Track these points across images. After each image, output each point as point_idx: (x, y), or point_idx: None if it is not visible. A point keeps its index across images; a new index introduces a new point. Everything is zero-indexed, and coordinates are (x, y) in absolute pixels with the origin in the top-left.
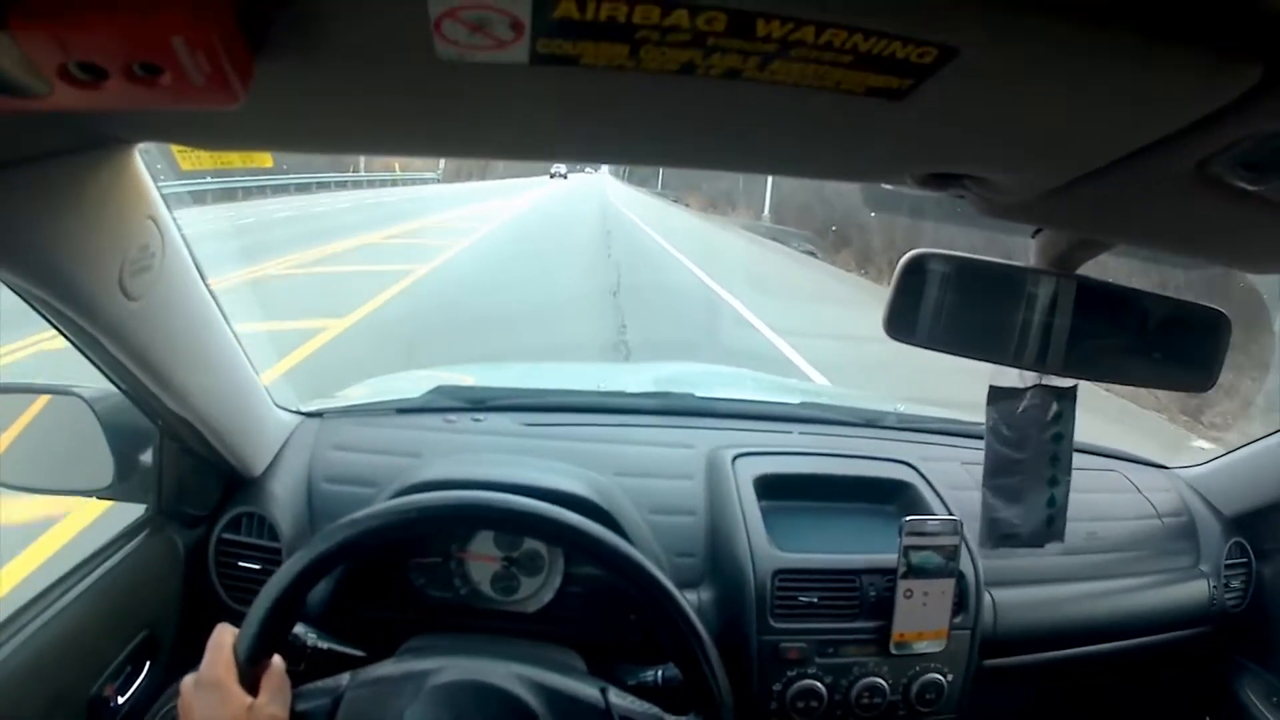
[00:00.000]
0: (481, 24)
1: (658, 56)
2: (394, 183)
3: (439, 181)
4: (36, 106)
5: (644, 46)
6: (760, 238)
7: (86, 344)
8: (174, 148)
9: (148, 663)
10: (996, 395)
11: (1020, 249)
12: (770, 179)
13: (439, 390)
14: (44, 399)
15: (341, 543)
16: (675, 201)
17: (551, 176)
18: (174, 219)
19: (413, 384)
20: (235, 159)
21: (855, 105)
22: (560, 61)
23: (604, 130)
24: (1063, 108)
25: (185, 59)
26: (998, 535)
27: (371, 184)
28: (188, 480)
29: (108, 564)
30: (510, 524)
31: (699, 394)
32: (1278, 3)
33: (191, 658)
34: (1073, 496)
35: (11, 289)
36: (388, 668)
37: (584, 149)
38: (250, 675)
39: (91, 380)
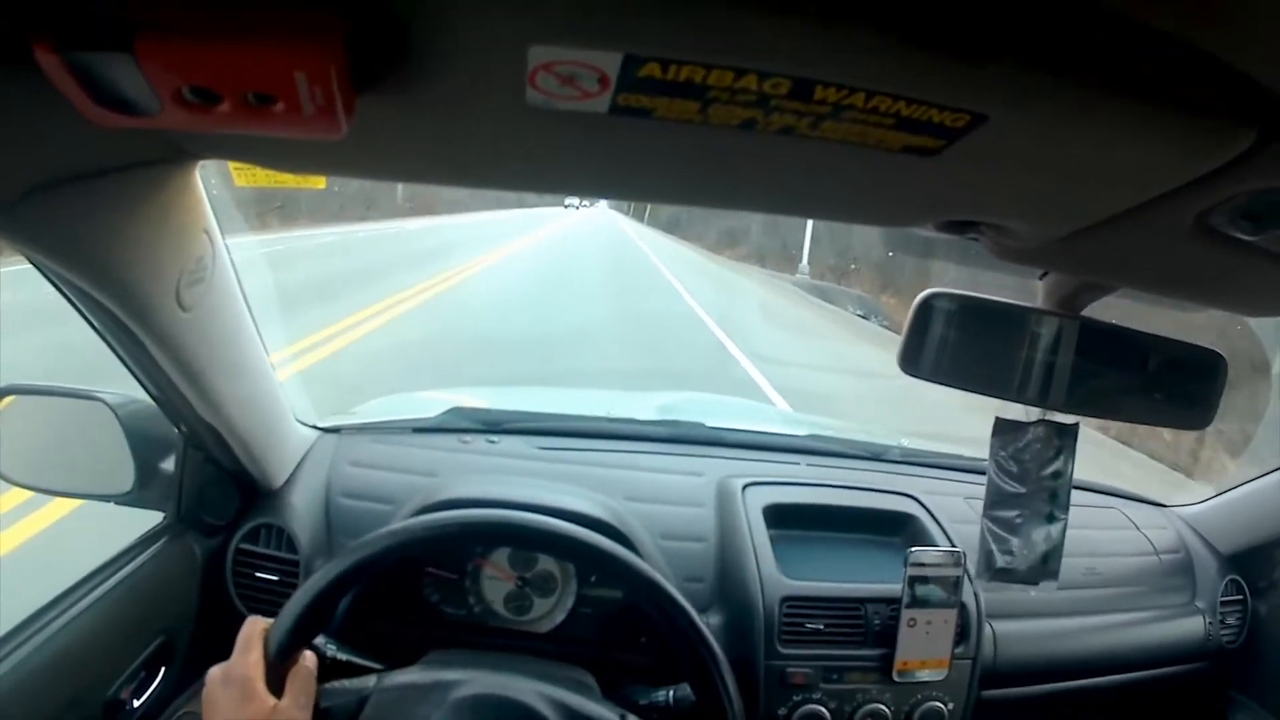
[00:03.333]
0: (572, 77)
1: (724, 113)
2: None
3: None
4: (141, 124)
5: (713, 105)
6: (806, 294)
7: (130, 349)
8: (230, 165)
9: (163, 668)
10: (1001, 428)
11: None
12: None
13: (455, 411)
14: (68, 402)
15: (381, 551)
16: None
17: (566, 208)
18: (221, 233)
19: (427, 404)
20: (290, 178)
21: (891, 160)
22: (635, 114)
23: (664, 175)
24: (1075, 166)
25: (302, 91)
26: (994, 569)
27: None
28: (208, 489)
29: (126, 569)
30: (537, 542)
31: (709, 424)
32: (1267, 76)
33: (207, 663)
34: (1073, 532)
35: (62, 291)
36: (414, 674)
37: (645, 190)
38: (278, 673)
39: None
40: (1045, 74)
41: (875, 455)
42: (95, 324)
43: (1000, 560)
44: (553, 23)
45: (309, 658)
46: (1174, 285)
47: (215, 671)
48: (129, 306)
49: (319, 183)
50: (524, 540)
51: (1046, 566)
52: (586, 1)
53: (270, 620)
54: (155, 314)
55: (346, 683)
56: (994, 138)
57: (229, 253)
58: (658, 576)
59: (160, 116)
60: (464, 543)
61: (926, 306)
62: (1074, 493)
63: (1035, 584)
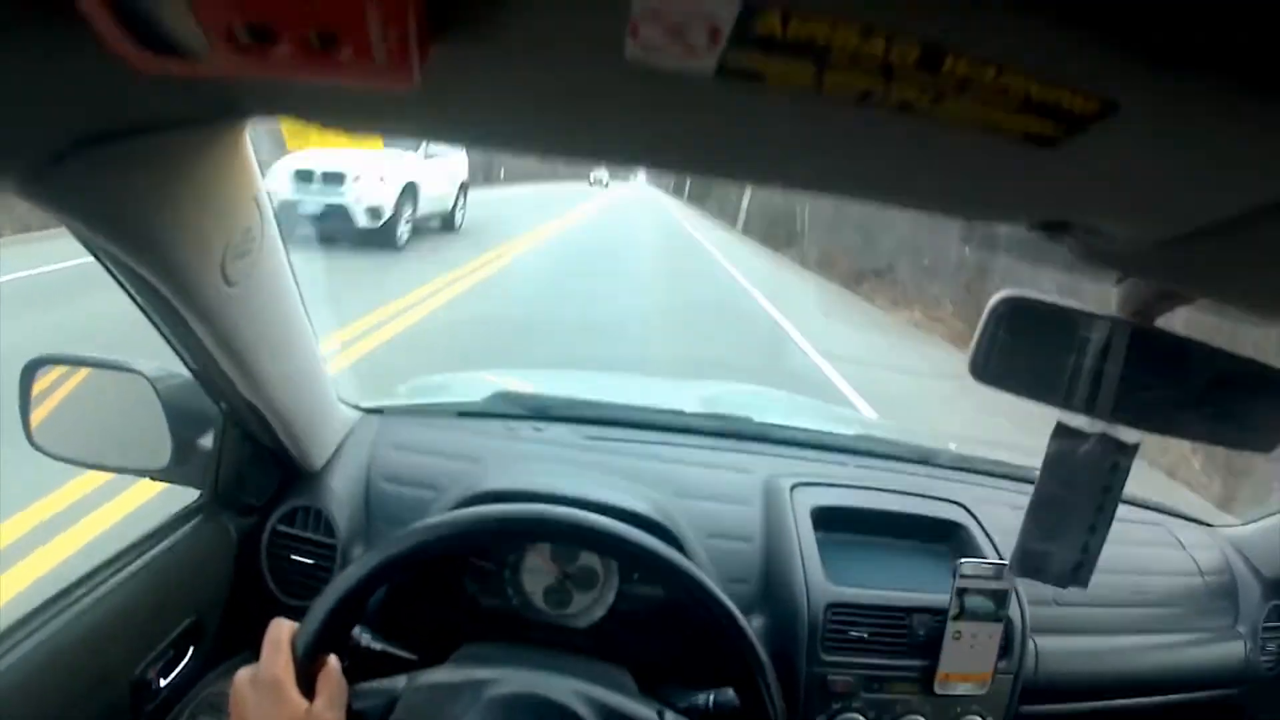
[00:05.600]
0: (680, 28)
1: (841, 82)
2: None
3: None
4: (187, 70)
5: (831, 70)
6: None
7: (172, 324)
8: (284, 126)
9: (191, 648)
10: (1062, 432)
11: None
12: None
13: (500, 396)
14: (105, 374)
15: (414, 548)
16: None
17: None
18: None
19: (471, 385)
20: (345, 139)
21: (1006, 148)
22: (745, 76)
23: (767, 152)
24: (1197, 166)
25: (374, 32)
26: (1027, 566)
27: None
28: (246, 468)
29: (160, 547)
30: (582, 539)
31: (756, 418)
32: None
33: (235, 646)
34: (1120, 549)
35: (101, 261)
36: (446, 673)
37: (742, 169)
38: (307, 674)
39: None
40: (1186, 61)
41: (924, 459)
42: (135, 296)
43: (1035, 559)
44: None
45: (334, 659)
46: (1272, 302)
47: (244, 674)
48: (171, 280)
49: (377, 144)
50: (565, 537)
51: (1076, 575)
52: None
53: (296, 623)
54: (198, 288)
55: (377, 683)
56: (1120, 128)
57: (278, 223)
58: (706, 579)
59: (209, 60)
60: (502, 539)
61: (998, 309)
62: (1122, 507)
63: (1064, 587)
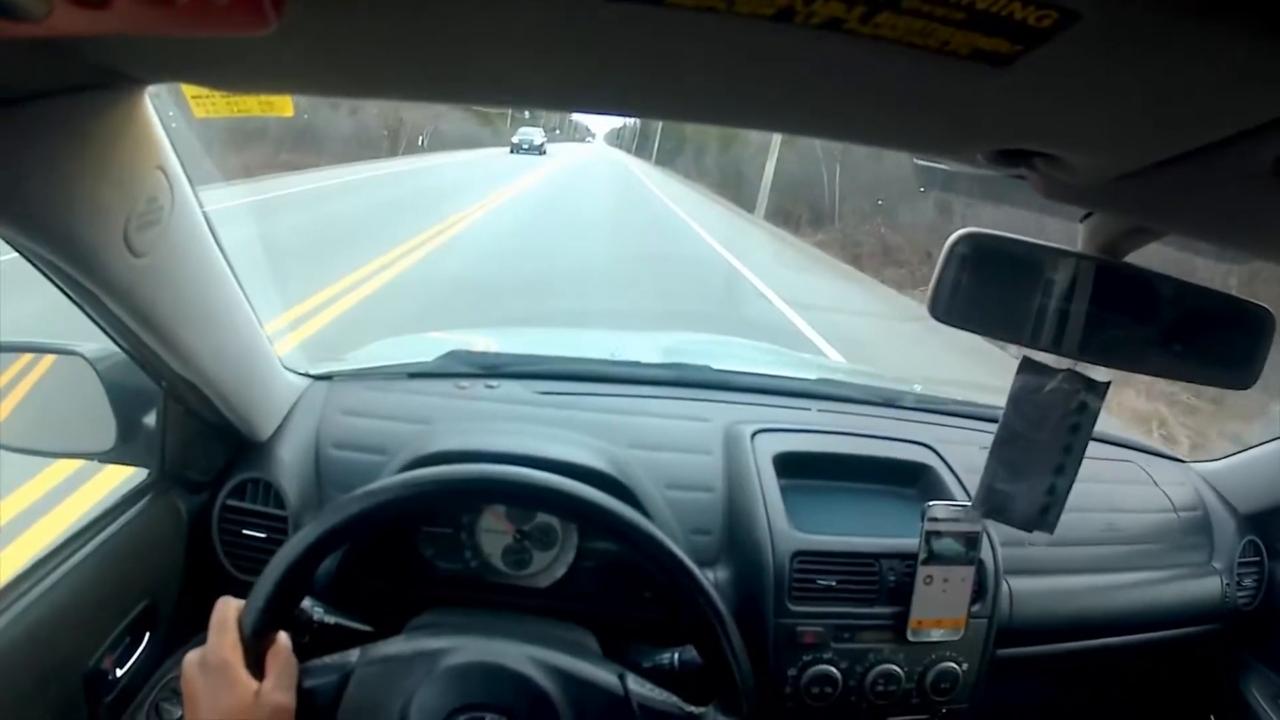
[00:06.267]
0: None
1: None
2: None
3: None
4: (32, 31)
5: None
6: None
7: (87, 301)
8: (188, 93)
9: (147, 633)
10: (1028, 366)
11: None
12: None
13: (452, 355)
14: (48, 358)
15: (354, 516)
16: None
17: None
18: (184, 169)
19: (425, 347)
20: (253, 105)
21: (954, 70)
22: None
23: (678, 82)
24: (1161, 88)
25: None
26: (991, 505)
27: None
28: (192, 444)
29: (109, 530)
30: (527, 499)
31: (715, 366)
32: None
33: (193, 628)
34: (1093, 486)
35: (7, 242)
36: (398, 645)
37: (655, 104)
38: (256, 652)
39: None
40: None
41: (889, 401)
42: (46, 274)
43: (999, 499)
44: None
45: (284, 636)
46: (1237, 235)
47: (192, 657)
48: (70, 252)
49: (286, 108)
50: (508, 497)
51: (1044, 518)
52: None
53: (242, 601)
54: (101, 260)
55: (329, 659)
56: (1079, 45)
57: (194, 192)
58: (658, 533)
59: (50, 20)
60: (443, 502)
61: (958, 248)
62: (1093, 445)
63: (1029, 531)
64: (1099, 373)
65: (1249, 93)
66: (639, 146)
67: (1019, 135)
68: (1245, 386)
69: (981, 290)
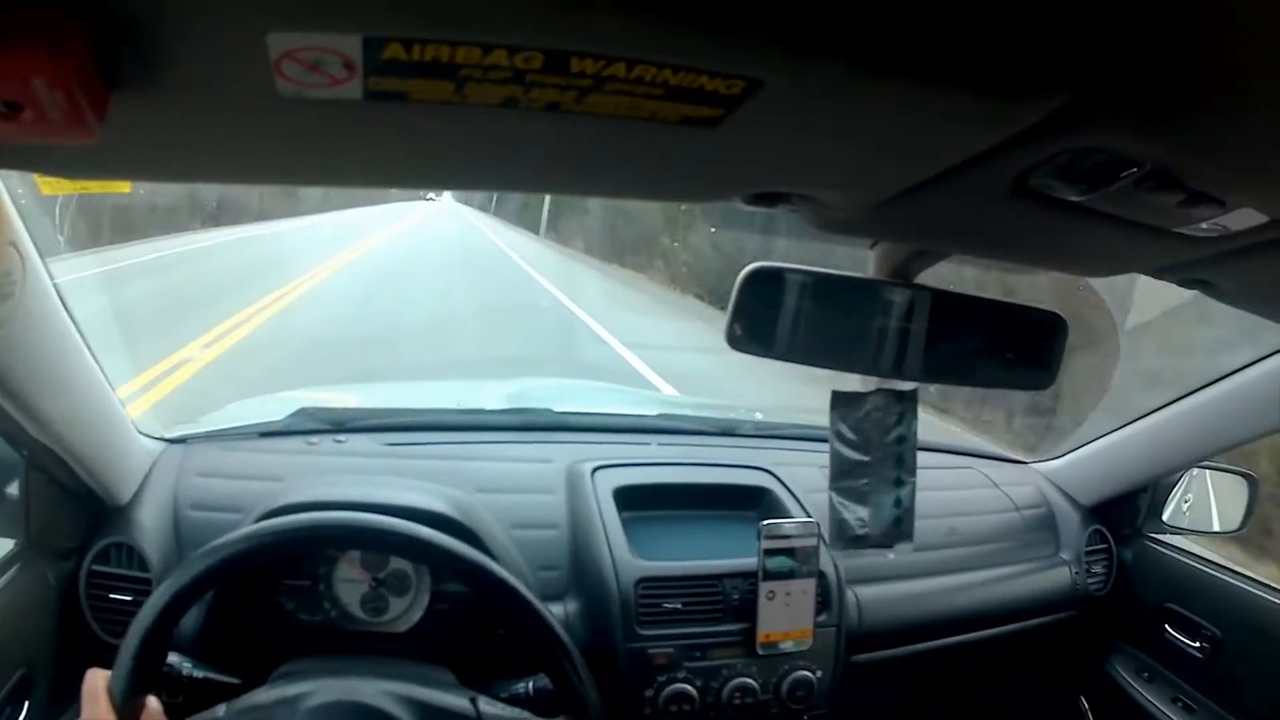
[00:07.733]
0: (318, 64)
1: (481, 92)
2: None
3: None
4: None
5: (468, 84)
6: None
7: None
8: (35, 175)
9: (26, 703)
10: (839, 401)
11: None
12: None
13: (302, 413)
14: None
15: (200, 573)
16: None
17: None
18: (34, 243)
19: (277, 406)
20: (95, 186)
21: (673, 133)
22: (391, 98)
23: (436, 159)
24: (876, 130)
25: (44, 97)
26: (847, 537)
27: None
28: (56, 511)
29: None
30: (367, 542)
31: (557, 409)
32: (1080, 30)
33: (70, 695)
34: (930, 494)
35: None
36: (261, 695)
37: (418, 177)
38: (128, 718)
39: None
40: (821, 38)
41: (727, 431)
42: None
43: (853, 529)
44: (285, 6)
45: (154, 701)
46: (1003, 249)
47: None
48: None
49: (123, 187)
50: (344, 541)
51: (900, 529)
52: None
53: (109, 671)
54: None
55: (199, 716)
56: (776, 104)
57: (45, 266)
58: (495, 568)
59: None
60: (289, 550)
61: (754, 282)
62: (931, 455)
63: (890, 547)
64: (904, 385)
65: (965, 125)
66: (481, 202)
67: (759, 181)
68: (1045, 388)
69: (772, 319)
